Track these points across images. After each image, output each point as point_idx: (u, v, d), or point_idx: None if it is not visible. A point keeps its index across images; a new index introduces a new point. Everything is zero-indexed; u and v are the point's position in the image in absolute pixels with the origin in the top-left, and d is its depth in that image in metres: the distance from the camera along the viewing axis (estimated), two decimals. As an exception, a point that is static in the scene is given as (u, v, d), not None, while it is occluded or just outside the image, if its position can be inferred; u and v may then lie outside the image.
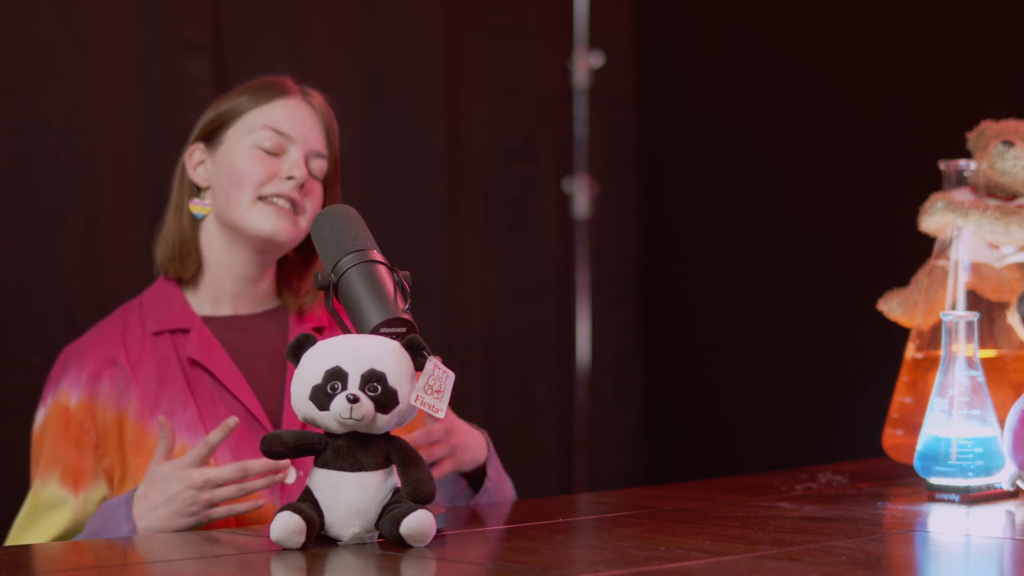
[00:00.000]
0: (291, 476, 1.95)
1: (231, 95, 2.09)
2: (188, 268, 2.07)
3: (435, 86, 3.27)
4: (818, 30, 3.27)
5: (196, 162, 2.08)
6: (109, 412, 1.99)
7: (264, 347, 2.07)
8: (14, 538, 1.99)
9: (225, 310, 2.08)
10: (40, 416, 2.04)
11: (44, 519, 1.97)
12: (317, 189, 2.06)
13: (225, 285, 2.08)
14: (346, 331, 1.61)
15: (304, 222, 2.05)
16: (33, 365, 2.68)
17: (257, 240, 2.04)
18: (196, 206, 2.07)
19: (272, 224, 2.02)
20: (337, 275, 1.63)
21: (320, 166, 2.06)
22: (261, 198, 2.02)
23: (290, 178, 2.02)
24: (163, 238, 2.09)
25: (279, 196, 2.02)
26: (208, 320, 2.06)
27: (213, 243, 2.07)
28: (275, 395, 2.03)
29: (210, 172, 2.07)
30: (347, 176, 3.21)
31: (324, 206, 2.07)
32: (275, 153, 2.04)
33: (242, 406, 2.00)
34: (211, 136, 2.07)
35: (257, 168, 2.03)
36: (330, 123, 2.09)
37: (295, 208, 2.03)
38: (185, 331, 2.04)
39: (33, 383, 2.67)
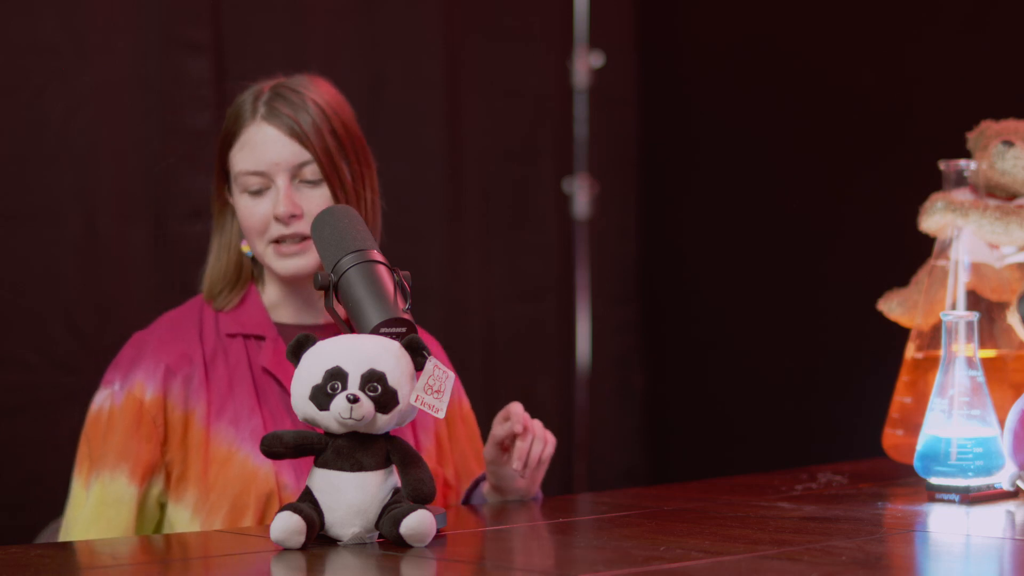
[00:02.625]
0: None
1: (224, 123, 2.06)
2: (232, 300, 2.07)
3: (435, 86, 3.27)
4: (818, 30, 3.27)
5: (233, 206, 2.07)
6: (177, 411, 1.98)
7: None
8: (84, 530, 1.95)
9: (289, 319, 2.07)
10: (103, 400, 2.00)
11: (110, 515, 1.95)
12: (317, 197, 2.01)
13: (288, 301, 2.07)
14: (347, 331, 1.61)
15: None
16: (33, 365, 2.69)
17: (284, 280, 2.04)
18: (247, 246, 2.07)
19: (286, 266, 2.01)
20: (337, 275, 1.63)
21: (312, 171, 2.01)
22: (271, 242, 2.01)
23: (277, 218, 2.00)
24: (211, 272, 2.09)
25: (280, 238, 2.01)
26: (281, 328, 2.06)
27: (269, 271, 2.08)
28: None
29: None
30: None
31: (341, 188, 2.03)
32: (264, 189, 2.01)
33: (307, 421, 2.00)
34: (226, 180, 2.07)
35: (253, 218, 2.01)
36: (303, 123, 2.01)
37: (302, 238, 2.01)
38: (260, 338, 2.04)
39: (33, 383, 2.68)
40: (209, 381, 2.00)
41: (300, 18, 3.06)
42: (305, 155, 2.01)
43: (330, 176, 2.02)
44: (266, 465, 1.95)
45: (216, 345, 2.02)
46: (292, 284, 2.06)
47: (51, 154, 2.72)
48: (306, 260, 2.01)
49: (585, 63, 3.49)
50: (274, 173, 2.00)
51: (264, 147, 2.00)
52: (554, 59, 3.48)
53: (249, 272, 2.09)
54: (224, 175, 2.07)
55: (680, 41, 3.59)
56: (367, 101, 3.15)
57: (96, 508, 1.96)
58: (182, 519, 1.95)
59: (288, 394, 1.97)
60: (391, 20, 3.19)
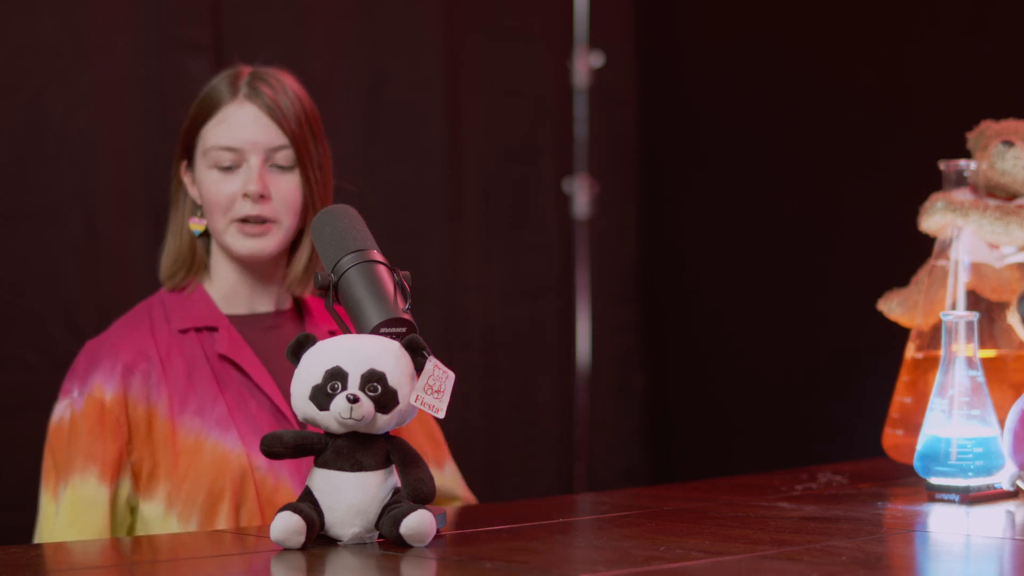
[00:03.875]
0: None
1: (192, 107, 2.08)
2: (185, 283, 2.09)
3: (435, 86, 3.27)
4: (818, 30, 3.27)
5: (190, 181, 2.10)
6: (139, 408, 1.99)
7: (285, 347, 2.08)
8: (60, 537, 1.95)
9: (241, 309, 2.09)
10: (64, 410, 2.01)
11: (85, 519, 1.95)
12: (286, 183, 2.04)
13: (240, 287, 2.09)
14: (346, 331, 1.61)
15: (280, 228, 2.04)
16: (33, 365, 2.69)
17: (241, 260, 2.06)
18: (195, 224, 2.09)
19: (246, 246, 2.03)
20: (337, 275, 1.63)
21: (285, 156, 2.03)
22: (234, 220, 2.03)
23: (246, 195, 2.01)
24: (167, 253, 2.11)
25: (245, 218, 2.02)
26: (232, 319, 2.07)
27: (220, 253, 2.09)
28: None
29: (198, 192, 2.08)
30: (347, 176, 3.20)
31: (312, 177, 2.06)
32: (235, 166, 2.03)
33: (270, 402, 2.01)
34: (188, 154, 2.09)
35: (220, 194, 2.02)
36: (283, 106, 2.04)
37: (264, 221, 2.03)
38: (213, 329, 2.05)
39: (33, 383, 2.68)
40: (167, 375, 2.01)
41: (300, 18, 3.06)
42: (282, 139, 2.03)
43: (304, 163, 2.05)
44: (237, 448, 1.97)
45: (170, 340, 2.03)
46: (246, 267, 2.07)
47: (51, 154, 2.72)
48: (266, 243, 2.03)
49: (585, 63, 3.49)
50: (248, 152, 2.02)
51: (243, 125, 2.03)
52: (554, 59, 3.48)
53: (203, 255, 2.09)
54: (186, 153, 2.08)
55: (680, 41, 3.59)
56: (367, 101, 3.15)
57: (70, 514, 1.95)
58: (155, 515, 1.95)
59: (248, 377, 2.01)
60: (391, 20, 3.19)
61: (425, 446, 2.16)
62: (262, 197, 2.01)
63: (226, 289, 2.09)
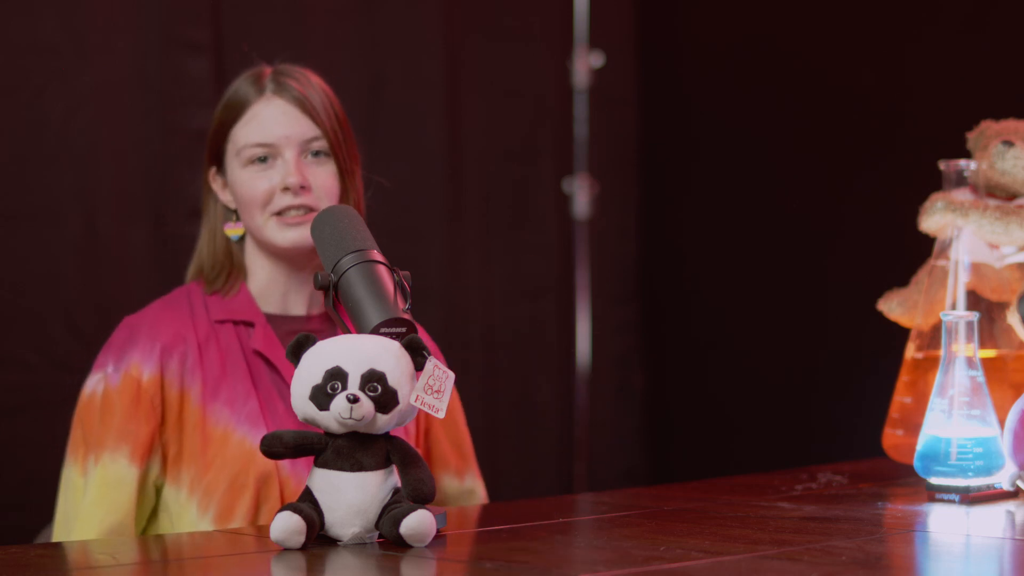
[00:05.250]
0: None
1: (217, 111, 2.08)
2: (230, 287, 2.08)
3: (435, 86, 3.27)
4: (818, 30, 3.27)
5: (220, 186, 2.09)
6: (174, 390, 1.99)
7: None
8: (87, 515, 1.94)
9: (274, 309, 2.08)
10: (97, 383, 2.00)
11: (113, 497, 1.94)
12: (324, 172, 2.05)
13: (273, 287, 2.08)
14: (347, 331, 1.61)
15: None
16: (33, 365, 2.69)
17: (284, 251, 2.05)
18: (231, 229, 2.09)
19: (290, 237, 2.03)
20: (337, 275, 1.63)
21: (320, 145, 2.05)
22: (273, 214, 2.03)
23: (286, 188, 2.02)
24: (200, 260, 2.11)
25: (287, 209, 2.02)
26: (269, 317, 2.07)
27: (254, 253, 2.09)
28: None
29: (231, 195, 2.08)
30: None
31: (344, 166, 2.06)
32: (271, 161, 2.03)
33: None
34: (217, 160, 2.08)
35: (257, 189, 2.02)
36: (312, 99, 2.05)
37: (308, 210, 2.03)
38: (250, 324, 2.05)
39: (33, 383, 2.68)
40: (203, 361, 2.01)
41: (300, 18, 3.06)
42: (315, 130, 2.05)
43: (337, 152, 2.06)
44: None
45: (208, 328, 2.04)
46: (283, 262, 2.06)
47: (51, 154, 2.72)
48: (306, 232, 2.02)
49: (585, 63, 3.49)
50: (283, 146, 2.03)
51: (275, 120, 2.04)
52: (554, 59, 3.48)
53: (240, 258, 2.09)
54: (214, 159, 2.08)
55: (680, 41, 3.59)
56: (367, 101, 3.15)
57: (98, 491, 1.95)
58: (178, 500, 1.96)
59: (280, 375, 2.01)
60: (391, 20, 3.19)
61: (449, 456, 2.16)
62: (303, 188, 2.02)
63: (259, 288, 2.09)
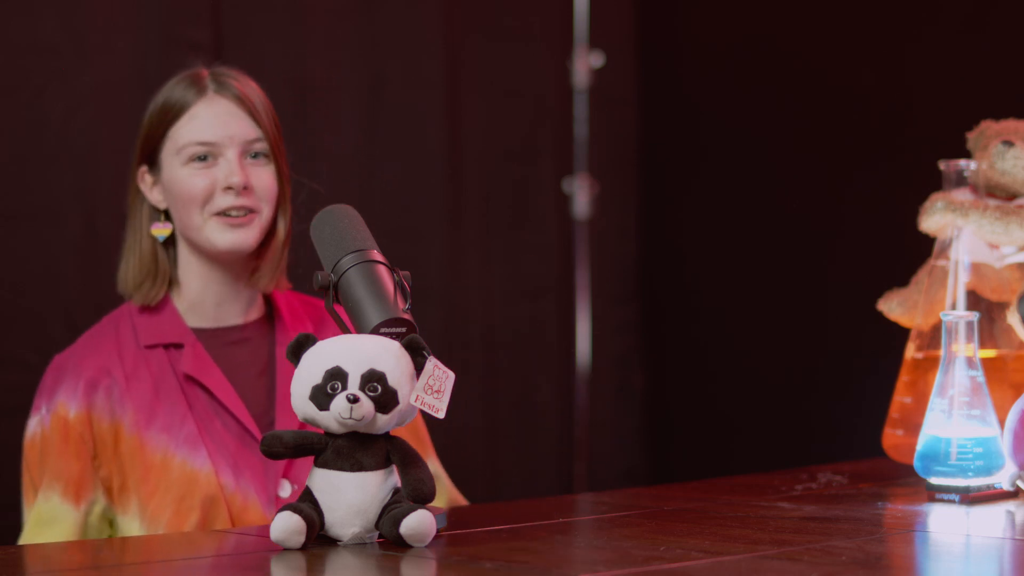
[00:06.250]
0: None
1: (152, 110, 2.07)
2: (155, 295, 2.06)
3: (435, 86, 3.27)
4: (819, 30, 3.27)
5: (149, 185, 2.08)
6: (104, 423, 1.98)
7: (253, 362, 2.06)
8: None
9: (208, 322, 2.07)
10: (34, 426, 2.02)
11: (47, 535, 1.94)
12: (265, 174, 2.04)
13: (206, 297, 2.07)
14: (346, 331, 1.61)
15: (261, 218, 2.03)
16: (33, 365, 2.68)
17: (220, 254, 2.03)
18: (157, 229, 2.07)
19: (229, 238, 2.02)
20: (337, 275, 1.63)
21: (261, 147, 2.04)
22: (214, 214, 2.01)
23: (228, 188, 2.01)
24: (126, 265, 2.08)
25: (228, 209, 2.01)
26: (198, 333, 2.06)
27: (187, 260, 2.07)
28: (267, 411, 2.03)
29: (163, 194, 2.06)
30: (347, 176, 3.21)
31: (282, 169, 2.06)
32: (212, 157, 2.02)
33: (237, 423, 2.00)
34: (150, 159, 2.07)
35: (197, 188, 2.01)
36: (252, 100, 2.04)
37: (248, 211, 2.02)
38: (179, 346, 2.03)
39: (33, 383, 2.67)
40: (131, 390, 1.99)
41: (300, 18, 3.06)
42: (257, 131, 2.04)
43: (277, 155, 2.06)
44: (206, 467, 1.96)
45: (136, 356, 2.02)
46: (218, 267, 2.05)
47: (51, 154, 2.72)
48: (248, 234, 2.02)
49: (585, 63, 3.49)
50: (225, 145, 2.02)
51: (217, 119, 2.02)
52: (554, 59, 3.48)
53: (167, 263, 2.07)
54: (146, 158, 2.07)
55: (680, 41, 3.59)
56: (367, 101, 3.15)
57: (32, 528, 1.96)
58: (132, 529, 1.96)
59: (214, 399, 1.99)
60: (391, 20, 3.19)
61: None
62: (245, 188, 2.01)
63: (192, 299, 2.07)
